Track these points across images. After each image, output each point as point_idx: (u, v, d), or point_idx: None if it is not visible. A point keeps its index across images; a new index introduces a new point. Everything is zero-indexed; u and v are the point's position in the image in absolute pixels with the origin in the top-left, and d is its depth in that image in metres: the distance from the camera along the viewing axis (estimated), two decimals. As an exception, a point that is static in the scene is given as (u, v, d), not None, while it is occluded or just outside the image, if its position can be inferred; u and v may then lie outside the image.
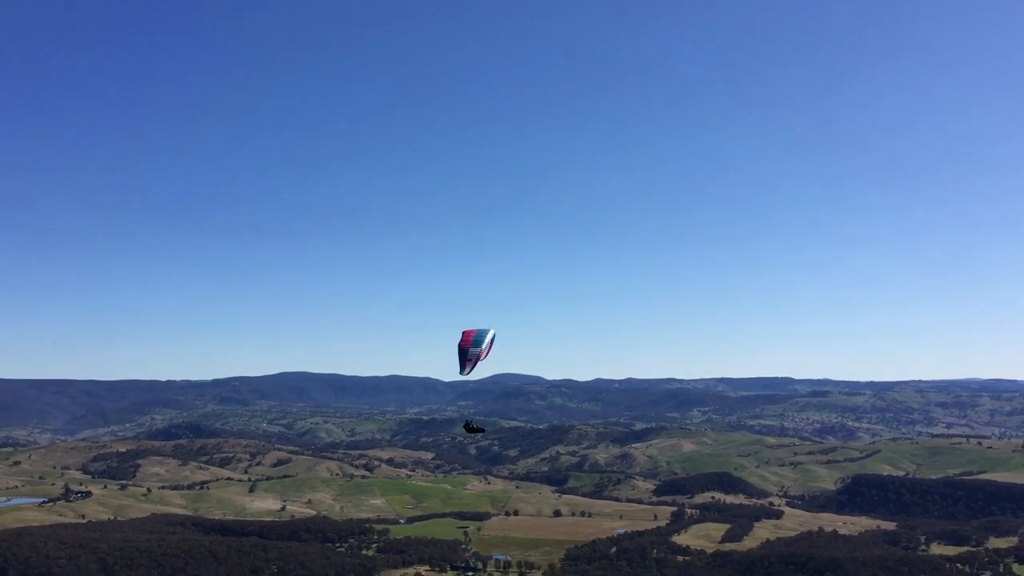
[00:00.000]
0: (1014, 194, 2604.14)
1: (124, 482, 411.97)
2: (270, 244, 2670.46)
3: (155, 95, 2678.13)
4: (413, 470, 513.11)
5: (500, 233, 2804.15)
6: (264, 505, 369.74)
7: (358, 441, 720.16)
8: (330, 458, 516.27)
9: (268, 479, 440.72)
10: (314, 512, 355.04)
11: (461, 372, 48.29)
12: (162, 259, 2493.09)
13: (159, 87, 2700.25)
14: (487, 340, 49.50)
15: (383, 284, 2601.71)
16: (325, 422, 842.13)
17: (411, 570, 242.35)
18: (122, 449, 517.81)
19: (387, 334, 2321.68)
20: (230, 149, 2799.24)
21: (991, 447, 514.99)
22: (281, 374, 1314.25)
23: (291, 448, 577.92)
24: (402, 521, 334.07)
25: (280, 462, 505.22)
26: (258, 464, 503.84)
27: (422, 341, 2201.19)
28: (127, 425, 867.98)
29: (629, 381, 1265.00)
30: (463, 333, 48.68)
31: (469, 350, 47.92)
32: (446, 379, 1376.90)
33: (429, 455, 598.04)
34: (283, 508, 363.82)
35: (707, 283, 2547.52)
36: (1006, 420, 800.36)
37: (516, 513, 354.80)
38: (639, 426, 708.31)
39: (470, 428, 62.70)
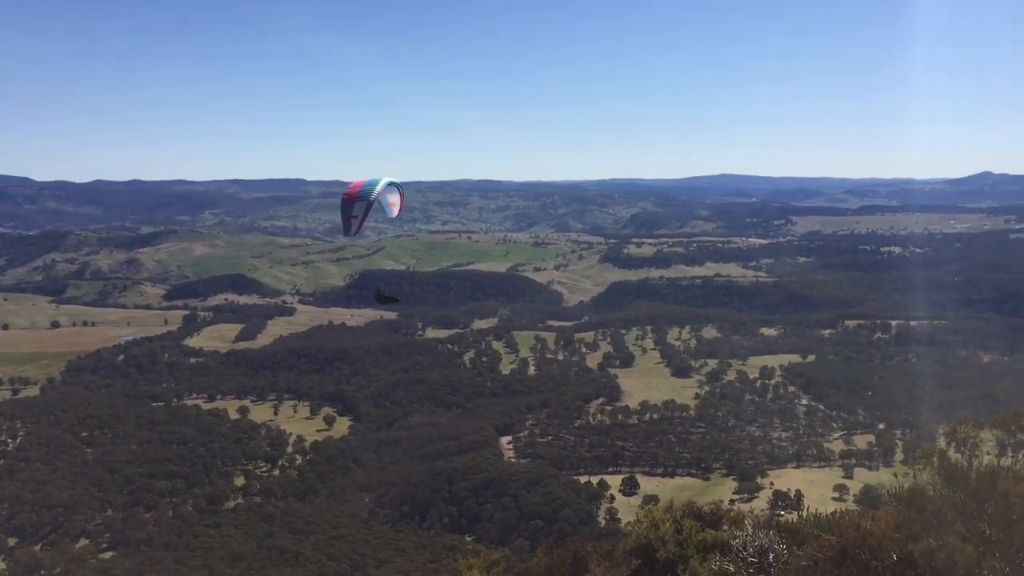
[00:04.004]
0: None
1: None
2: None
3: None
4: None
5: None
6: None
7: None
8: None
9: None
10: None
11: (346, 234, 34.04)
12: None
13: None
14: (379, 188, 34.16)
15: None
16: None
17: None
18: None
19: None
20: None
21: (478, 241, 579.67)
22: None
23: None
24: None
25: None
26: None
27: None
28: None
29: (135, 183, 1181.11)
30: (348, 187, 34.13)
31: (355, 204, 32.97)
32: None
33: None
34: None
35: (214, 76, 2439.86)
36: (491, 216, 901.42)
37: (6, 327, 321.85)
38: (147, 230, 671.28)
39: (383, 297, 45.54)
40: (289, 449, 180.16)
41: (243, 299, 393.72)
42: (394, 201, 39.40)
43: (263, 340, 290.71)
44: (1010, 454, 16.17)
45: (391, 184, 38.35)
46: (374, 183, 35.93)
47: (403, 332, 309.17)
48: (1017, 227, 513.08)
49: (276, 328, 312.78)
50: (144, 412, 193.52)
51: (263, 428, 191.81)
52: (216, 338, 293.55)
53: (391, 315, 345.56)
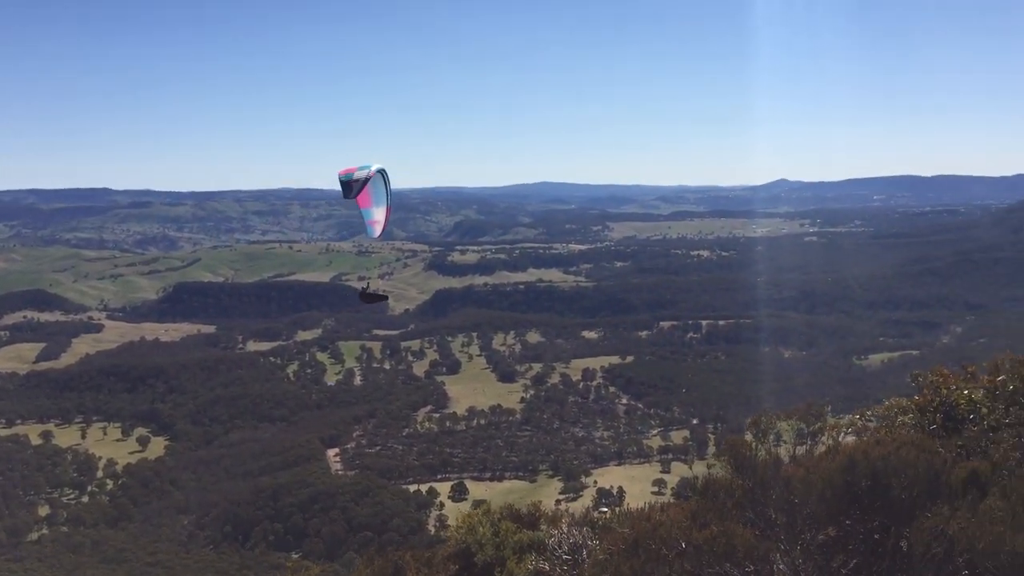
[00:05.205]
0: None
1: None
2: None
3: None
4: None
5: None
6: None
7: None
8: None
9: None
10: None
11: (346, 196, 27.98)
12: None
13: None
14: (373, 169, 27.55)
15: None
16: None
17: None
18: None
19: None
20: None
21: (300, 250, 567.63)
22: None
23: None
24: None
25: None
26: None
27: None
28: None
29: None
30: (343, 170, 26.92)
31: (354, 174, 26.95)
32: None
33: None
34: None
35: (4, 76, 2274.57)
36: (313, 225, 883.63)
37: None
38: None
39: (369, 296, 36.82)
40: (99, 474, 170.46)
41: (44, 316, 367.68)
42: (379, 218, 31.45)
43: (68, 359, 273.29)
44: (809, 442, 17.54)
45: (381, 174, 29.84)
46: (366, 168, 27.36)
47: (222, 346, 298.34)
48: (811, 231, 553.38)
49: (82, 346, 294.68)
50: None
51: (69, 453, 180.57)
52: (14, 358, 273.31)
53: (209, 329, 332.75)
